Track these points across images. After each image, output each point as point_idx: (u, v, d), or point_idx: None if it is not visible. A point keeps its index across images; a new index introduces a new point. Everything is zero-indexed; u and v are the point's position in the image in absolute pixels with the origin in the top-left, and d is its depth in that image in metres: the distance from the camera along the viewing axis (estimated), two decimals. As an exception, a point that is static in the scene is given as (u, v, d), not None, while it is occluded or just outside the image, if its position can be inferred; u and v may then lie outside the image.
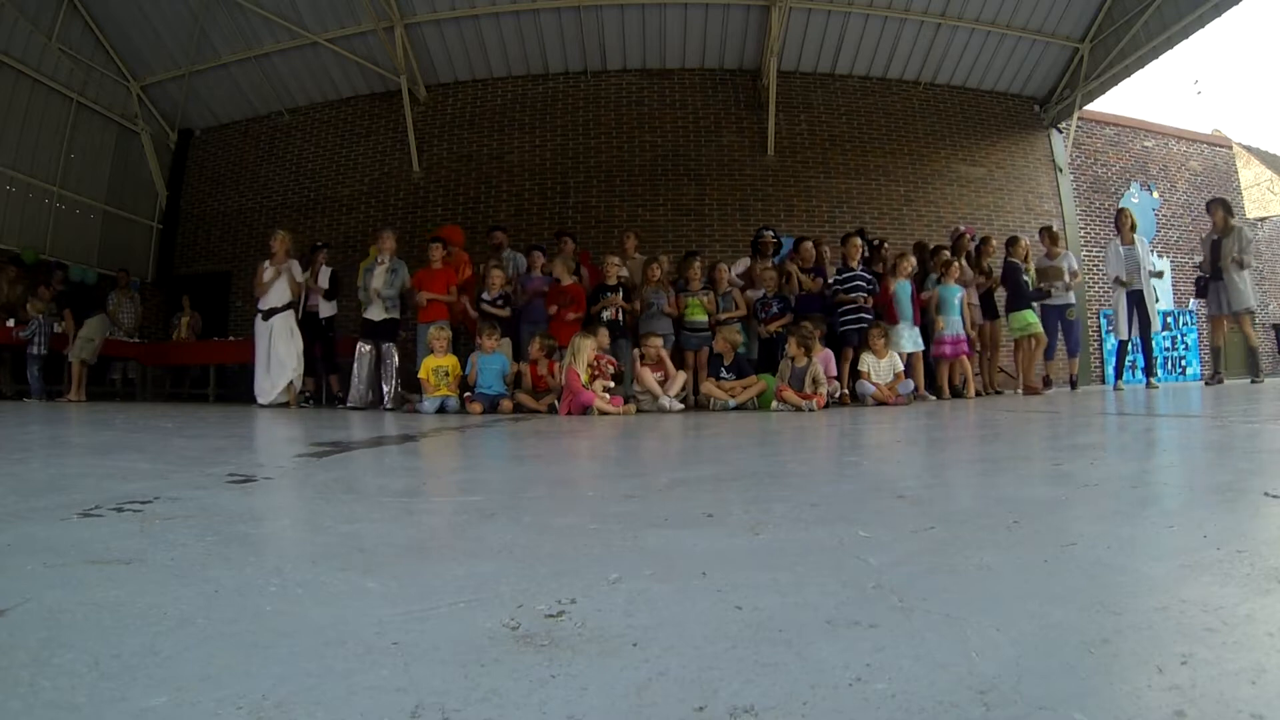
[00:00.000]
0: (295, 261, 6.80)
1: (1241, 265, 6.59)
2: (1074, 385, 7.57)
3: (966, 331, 6.83)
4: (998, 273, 7.39)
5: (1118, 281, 6.90)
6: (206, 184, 10.92)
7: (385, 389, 6.34)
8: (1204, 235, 7.11)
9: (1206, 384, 7.06)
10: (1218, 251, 6.70)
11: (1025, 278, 7.14)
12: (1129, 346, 7.16)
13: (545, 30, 9.39)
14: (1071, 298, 7.36)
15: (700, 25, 9.36)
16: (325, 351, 7.12)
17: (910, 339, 6.55)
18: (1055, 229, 8.03)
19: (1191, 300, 11.63)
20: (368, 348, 6.36)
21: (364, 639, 0.64)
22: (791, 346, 5.55)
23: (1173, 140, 12.20)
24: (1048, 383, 7.54)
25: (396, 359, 6.43)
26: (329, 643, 0.64)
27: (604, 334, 5.90)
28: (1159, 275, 6.86)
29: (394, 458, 2.44)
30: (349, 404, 6.37)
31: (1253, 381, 6.80)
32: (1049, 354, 7.52)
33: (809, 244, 7.08)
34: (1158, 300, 7.26)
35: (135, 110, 10.42)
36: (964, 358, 6.78)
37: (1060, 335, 7.32)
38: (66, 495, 1.47)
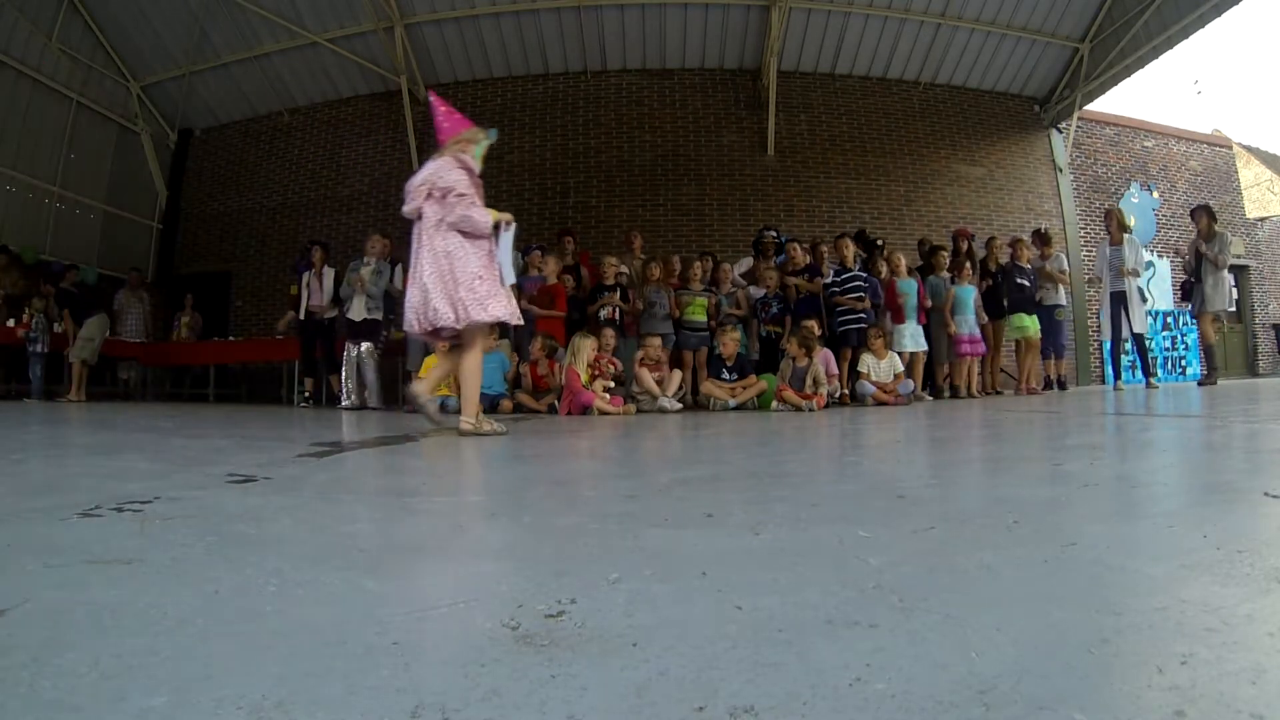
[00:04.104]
0: None
1: (1217, 265, 6.65)
2: (1062, 386, 7.55)
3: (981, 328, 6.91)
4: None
5: (1089, 281, 6.97)
6: (206, 184, 10.92)
7: (366, 389, 6.26)
8: (1190, 242, 7.17)
9: (1200, 385, 7.07)
10: (1199, 255, 6.80)
11: (1023, 280, 7.15)
12: (1124, 347, 7.18)
13: (545, 30, 9.38)
14: (1062, 299, 7.37)
15: (700, 25, 9.36)
16: (326, 351, 7.07)
17: (912, 338, 6.54)
18: (1046, 230, 8.06)
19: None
20: (354, 351, 6.34)
21: (364, 639, 0.64)
22: (793, 346, 5.55)
23: (1173, 140, 12.18)
24: (1048, 384, 7.54)
25: (374, 359, 6.36)
26: (329, 643, 0.64)
27: (608, 334, 5.79)
28: (1136, 274, 6.87)
29: (394, 458, 2.43)
30: (341, 404, 6.35)
31: (1199, 383, 6.86)
32: (1043, 354, 7.54)
33: (795, 245, 6.98)
34: (1145, 301, 7.29)
35: (135, 110, 10.42)
36: (967, 357, 6.81)
37: (1049, 336, 7.36)
38: (66, 495, 1.47)
